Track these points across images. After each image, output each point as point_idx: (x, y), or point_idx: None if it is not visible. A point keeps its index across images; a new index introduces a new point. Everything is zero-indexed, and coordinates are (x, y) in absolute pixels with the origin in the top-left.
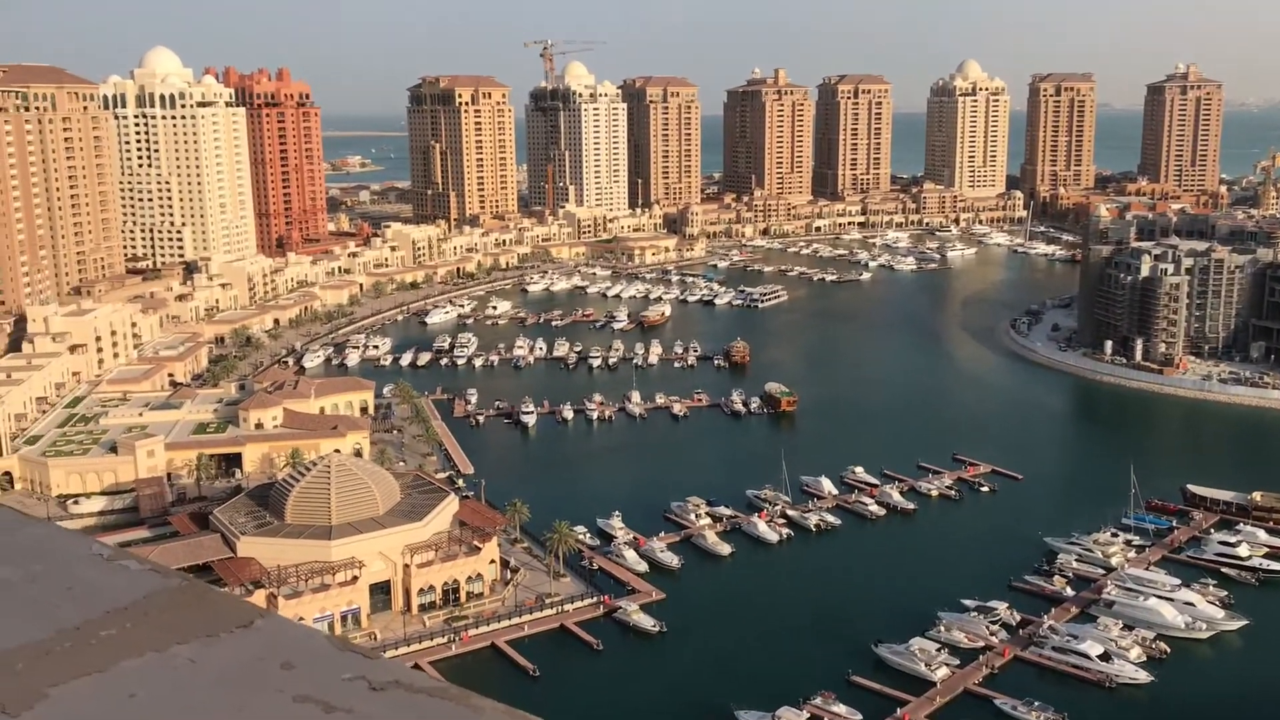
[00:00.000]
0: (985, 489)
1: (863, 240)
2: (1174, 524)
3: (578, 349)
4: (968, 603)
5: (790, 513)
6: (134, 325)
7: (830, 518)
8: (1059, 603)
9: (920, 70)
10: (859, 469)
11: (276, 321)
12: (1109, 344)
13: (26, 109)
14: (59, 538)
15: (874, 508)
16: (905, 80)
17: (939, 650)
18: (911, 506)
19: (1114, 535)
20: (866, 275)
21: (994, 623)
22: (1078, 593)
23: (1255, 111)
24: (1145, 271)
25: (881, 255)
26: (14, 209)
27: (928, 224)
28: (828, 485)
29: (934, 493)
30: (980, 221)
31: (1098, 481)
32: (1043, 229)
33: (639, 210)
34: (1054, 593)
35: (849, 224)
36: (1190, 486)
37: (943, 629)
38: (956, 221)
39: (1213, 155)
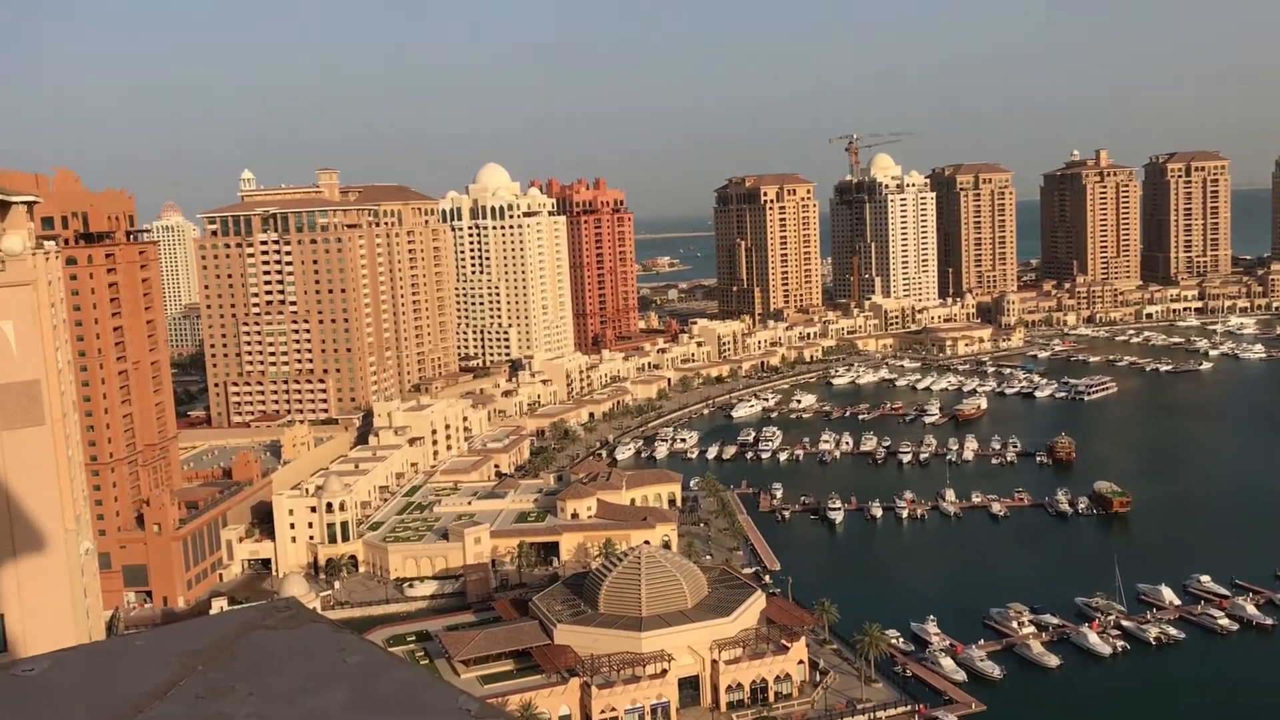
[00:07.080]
0: None
1: (1201, 327)
2: None
3: (886, 444)
4: None
5: (1126, 623)
6: (465, 420)
7: (1172, 630)
8: None
9: (1260, 143)
10: (1205, 578)
11: (591, 415)
12: None
13: (377, 224)
14: (427, 689)
15: (1224, 621)
16: (1244, 154)
17: None
18: (1269, 622)
19: None
20: (1207, 364)
21: None
22: None
23: None
24: None
25: (1224, 343)
26: (365, 315)
27: (1278, 307)
28: (1169, 594)
29: None
30: None
31: None
32: None
33: (949, 300)
34: None
35: (1184, 310)
36: None
37: None
38: None
39: None
